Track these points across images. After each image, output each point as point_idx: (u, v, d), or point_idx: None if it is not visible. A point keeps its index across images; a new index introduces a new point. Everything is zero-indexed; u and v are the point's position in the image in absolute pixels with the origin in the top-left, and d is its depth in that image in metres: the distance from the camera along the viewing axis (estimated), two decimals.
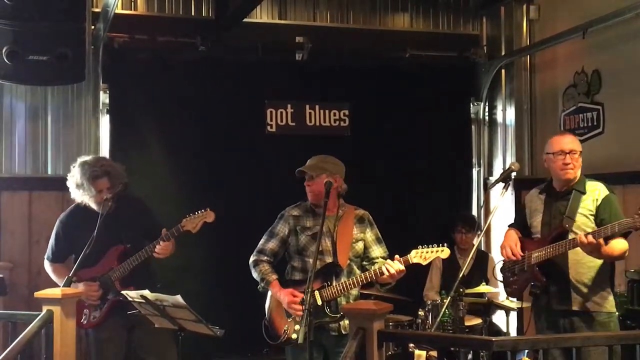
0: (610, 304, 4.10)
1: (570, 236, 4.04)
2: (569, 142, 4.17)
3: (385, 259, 4.24)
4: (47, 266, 4.70)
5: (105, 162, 4.63)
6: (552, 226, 4.18)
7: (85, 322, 4.52)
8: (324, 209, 4.04)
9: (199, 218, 4.36)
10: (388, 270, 3.99)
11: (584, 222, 4.07)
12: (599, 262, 4.06)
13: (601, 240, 3.83)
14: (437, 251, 4.06)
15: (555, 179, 4.24)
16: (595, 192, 4.11)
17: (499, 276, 4.51)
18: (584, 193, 4.12)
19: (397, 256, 4.07)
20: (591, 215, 4.08)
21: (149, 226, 4.55)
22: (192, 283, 5.73)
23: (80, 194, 4.51)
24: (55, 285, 4.42)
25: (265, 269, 4.25)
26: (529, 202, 4.41)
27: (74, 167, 4.56)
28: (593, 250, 3.88)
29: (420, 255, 4.04)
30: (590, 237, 3.83)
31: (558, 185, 4.23)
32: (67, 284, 4.18)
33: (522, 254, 4.23)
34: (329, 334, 4.14)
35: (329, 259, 4.18)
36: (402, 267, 4.01)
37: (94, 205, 4.49)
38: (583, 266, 4.07)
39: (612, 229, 3.83)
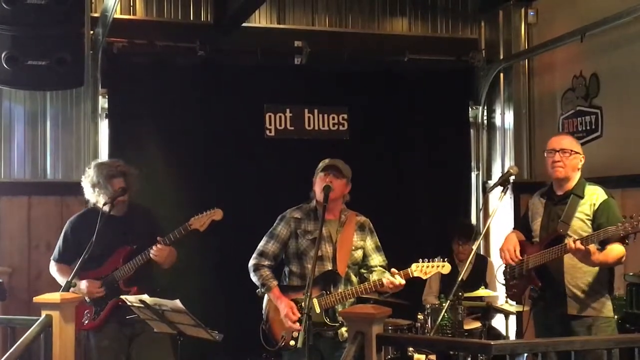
0: (607, 309, 4.08)
1: (566, 241, 4.02)
2: (561, 140, 4.19)
3: (384, 268, 4.25)
4: (52, 267, 4.70)
5: (121, 163, 4.67)
6: (549, 230, 4.19)
7: (86, 322, 4.53)
8: (323, 214, 4.05)
9: (206, 216, 4.40)
10: (389, 285, 4.01)
11: (580, 226, 4.07)
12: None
13: (592, 248, 3.80)
14: (438, 266, 4.08)
15: (552, 179, 4.25)
16: (594, 196, 4.10)
17: (501, 279, 4.52)
18: (582, 197, 4.12)
19: (394, 270, 4.07)
20: (588, 219, 4.07)
21: (155, 234, 4.53)
22: (191, 287, 5.73)
23: (95, 194, 4.53)
24: (57, 286, 4.42)
25: (266, 275, 4.24)
26: (532, 205, 4.41)
27: (89, 168, 4.62)
28: (583, 257, 3.86)
29: (420, 270, 4.06)
30: (578, 243, 3.81)
31: (557, 188, 4.23)
32: (67, 289, 4.18)
33: (520, 257, 4.22)
34: (326, 340, 4.14)
35: (329, 265, 4.18)
36: (403, 282, 4.03)
37: (106, 207, 4.47)
38: (579, 271, 4.06)
39: (598, 236, 3.82)
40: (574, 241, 3.84)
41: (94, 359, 4.61)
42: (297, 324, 4.00)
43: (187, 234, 4.43)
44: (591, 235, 3.87)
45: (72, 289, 4.30)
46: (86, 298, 4.50)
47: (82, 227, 4.57)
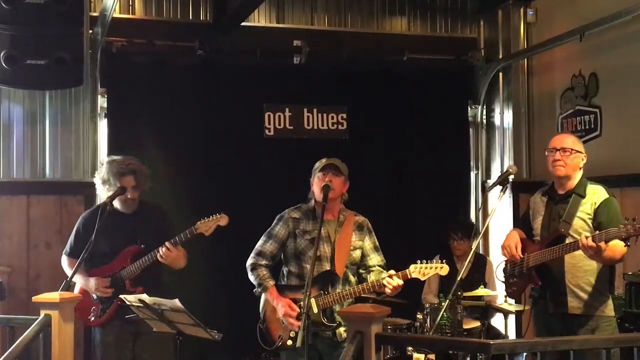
0: (608, 308, 4.09)
1: (567, 240, 4.05)
2: (563, 140, 4.21)
3: (383, 267, 4.25)
4: (64, 261, 4.72)
5: (133, 161, 4.66)
6: (550, 229, 4.19)
7: (92, 319, 4.57)
8: (322, 213, 4.04)
9: (212, 221, 4.38)
10: (388, 286, 4.00)
11: (581, 225, 4.08)
12: (596, 266, 4.07)
13: (602, 244, 3.81)
14: (436, 267, 4.06)
15: (553, 178, 4.26)
16: (595, 195, 4.11)
17: (500, 276, 4.52)
18: (583, 197, 4.13)
19: (392, 271, 4.06)
20: (589, 218, 4.08)
21: (165, 235, 4.51)
22: (191, 287, 5.72)
23: (105, 190, 4.57)
24: (57, 286, 4.37)
25: (263, 274, 4.24)
26: (533, 203, 4.42)
27: (101, 164, 4.66)
28: (595, 253, 3.87)
29: (419, 271, 4.05)
30: (590, 241, 3.81)
31: (559, 187, 4.24)
32: (66, 288, 4.18)
33: (521, 255, 4.23)
34: (324, 340, 4.14)
35: (327, 266, 4.18)
36: (401, 282, 4.03)
37: (117, 204, 4.54)
38: (579, 270, 4.08)
39: (600, 237, 3.81)
40: (586, 238, 3.83)
41: (98, 354, 4.64)
42: (296, 320, 4.00)
43: (193, 238, 4.42)
44: (593, 235, 3.86)
45: (80, 285, 4.34)
46: (93, 295, 4.54)
47: (93, 223, 4.52)
